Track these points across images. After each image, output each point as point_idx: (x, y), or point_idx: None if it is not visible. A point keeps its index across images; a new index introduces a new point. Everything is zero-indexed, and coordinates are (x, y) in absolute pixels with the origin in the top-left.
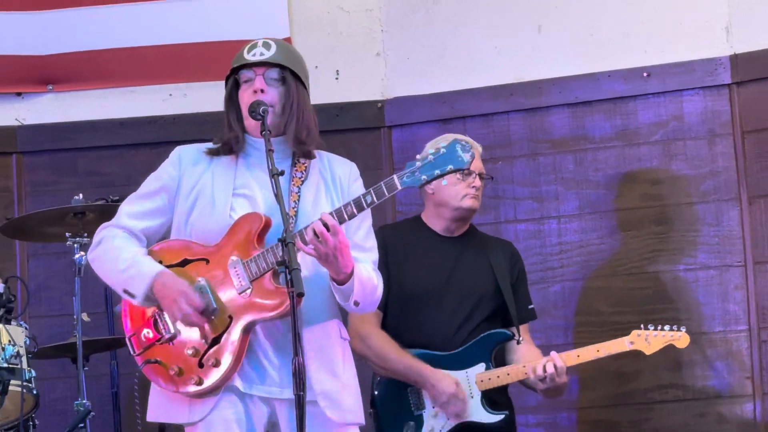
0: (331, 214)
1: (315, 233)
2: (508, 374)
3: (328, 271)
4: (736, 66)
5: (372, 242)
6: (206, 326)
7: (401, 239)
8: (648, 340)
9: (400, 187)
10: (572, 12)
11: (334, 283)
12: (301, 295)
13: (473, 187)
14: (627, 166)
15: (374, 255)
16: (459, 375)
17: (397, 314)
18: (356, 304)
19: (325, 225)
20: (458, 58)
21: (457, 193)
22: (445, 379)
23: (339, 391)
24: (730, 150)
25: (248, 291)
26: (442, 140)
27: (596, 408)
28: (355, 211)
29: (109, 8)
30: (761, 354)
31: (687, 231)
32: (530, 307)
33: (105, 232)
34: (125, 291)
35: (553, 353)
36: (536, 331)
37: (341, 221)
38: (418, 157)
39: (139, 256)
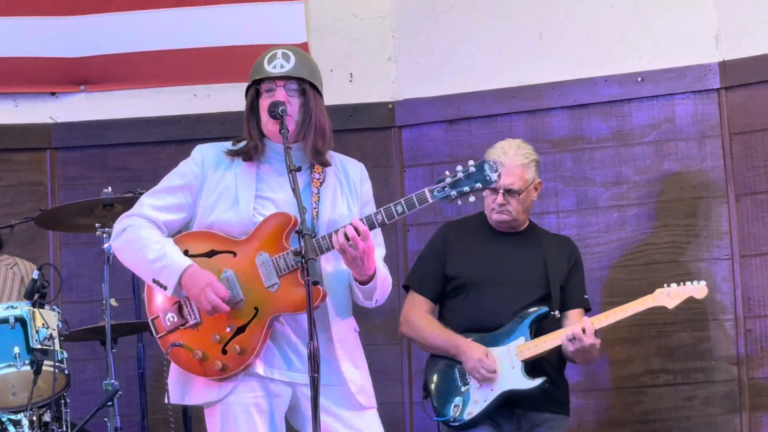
0: (362, 220)
1: (346, 236)
2: (545, 342)
3: (351, 271)
4: (725, 72)
5: (380, 239)
6: (232, 315)
7: (462, 235)
8: (670, 295)
9: (430, 201)
10: (571, 21)
11: (357, 283)
12: (316, 283)
13: (497, 203)
14: (622, 165)
15: (383, 251)
16: (501, 349)
17: (456, 303)
18: (376, 301)
19: (356, 230)
20: (464, 63)
21: (488, 206)
22: (474, 347)
23: (361, 378)
24: (719, 150)
25: (276, 286)
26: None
27: (593, 391)
28: (385, 219)
29: (137, 14)
30: (746, 341)
31: (678, 226)
32: (585, 297)
33: (129, 220)
34: (155, 281)
35: (585, 317)
36: None
37: (371, 227)
38: (447, 172)
39: (168, 246)
